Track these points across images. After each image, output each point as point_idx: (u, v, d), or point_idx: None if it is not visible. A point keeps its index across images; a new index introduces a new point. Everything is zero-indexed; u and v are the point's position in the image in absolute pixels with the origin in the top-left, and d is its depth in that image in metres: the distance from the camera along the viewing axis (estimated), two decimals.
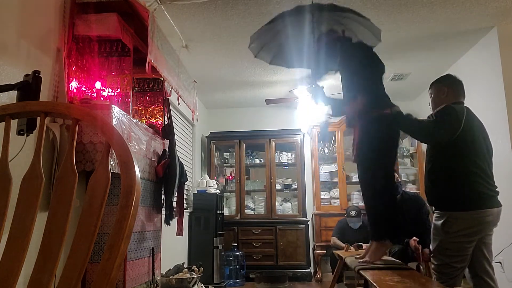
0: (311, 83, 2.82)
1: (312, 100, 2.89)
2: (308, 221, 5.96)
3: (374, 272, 2.27)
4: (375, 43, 2.90)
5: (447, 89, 2.57)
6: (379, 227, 2.46)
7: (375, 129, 2.45)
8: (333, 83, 4.35)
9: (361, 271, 2.36)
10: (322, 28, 2.83)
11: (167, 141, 3.21)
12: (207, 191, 5.39)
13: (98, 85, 2.65)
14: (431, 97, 2.67)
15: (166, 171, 3.05)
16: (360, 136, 2.50)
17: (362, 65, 2.54)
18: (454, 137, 2.37)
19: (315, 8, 2.76)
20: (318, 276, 5.62)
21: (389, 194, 2.49)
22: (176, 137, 3.52)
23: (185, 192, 3.78)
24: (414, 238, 3.67)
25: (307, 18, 2.76)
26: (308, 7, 2.76)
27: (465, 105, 2.54)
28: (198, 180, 5.75)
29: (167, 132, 3.24)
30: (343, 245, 4.42)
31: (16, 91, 1.51)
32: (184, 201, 3.74)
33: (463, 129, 2.36)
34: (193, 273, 3.44)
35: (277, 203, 6.08)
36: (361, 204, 4.78)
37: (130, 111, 2.79)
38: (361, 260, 2.54)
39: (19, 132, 1.57)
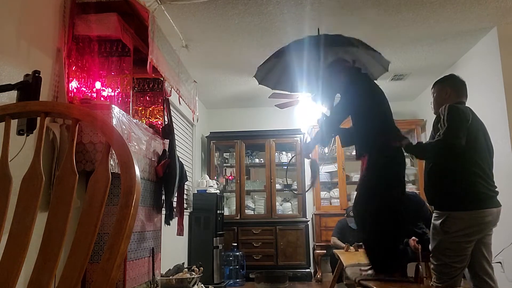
0: (320, 118, 2.81)
1: (321, 129, 2.87)
2: (308, 221, 5.96)
3: (376, 284, 2.27)
4: (382, 73, 2.93)
5: (450, 89, 2.56)
6: (384, 264, 2.46)
7: (384, 162, 2.44)
8: None
9: (362, 281, 2.35)
10: (329, 58, 2.84)
11: (167, 141, 3.21)
12: (207, 191, 5.39)
13: (98, 85, 2.65)
14: (433, 96, 2.66)
15: (166, 171, 3.05)
16: (368, 168, 2.50)
17: (372, 97, 2.55)
18: (462, 142, 2.35)
19: (321, 39, 2.79)
20: (318, 276, 5.62)
21: (393, 231, 2.49)
22: (176, 137, 3.52)
23: (185, 192, 3.78)
24: (414, 238, 3.66)
25: (314, 47, 2.78)
26: (318, 37, 2.78)
27: (466, 105, 2.53)
28: (198, 180, 5.75)
29: (167, 132, 3.24)
30: (343, 245, 4.42)
31: (16, 91, 1.51)
32: (184, 201, 3.74)
33: (466, 129, 2.36)
34: (193, 273, 3.44)
35: (277, 203, 6.08)
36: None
37: (130, 111, 2.79)
38: (365, 273, 2.53)
39: (19, 132, 1.57)
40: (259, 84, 3.15)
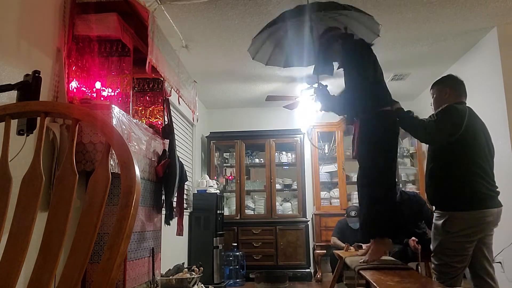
0: (312, 82, 2.81)
1: (315, 99, 2.87)
2: (308, 221, 5.96)
3: (374, 272, 2.27)
4: (373, 39, 2.89)
5: (449, 89, 2.56)
6: (379, 225, 2.45)
7: (375, 126, 2.44)
8: (333, 81, 4.34)
9: (361, 271, 2.35)
10: (319, 27, 2.82)
11: (167, 141, 3.21)
12: (207, 191, 5.39)
13: (98, 85, 2.65)
14: (432, 97, 2.66)
15: (166, 171, 3.05)
16: (360, 133, 2.50)
17: (364, 62, 2.53)
18: (456, 137, 2.36)
19: (313, 7, 2.75)
20: (318, 276, 5.62)
21: (389, 191, 2.48)
22: (176, 137, 3.52)
23: (185, 192, 3.78)
24: (414, 238, 3.67)
25: (306, 17, 2.75)
26: (307, 5, 2.75)
27: (466, 105, 2.54)
28: (198, 180, 5.75)
29: (167, 132, 3.24)
30: (343, 245, 4.41)
31: (16, 91, 1.51)
32: (184, 201, 3.74)
33: (465, 129, 2.36)
34: (193, 273, 3.44)
35: (277, 203, 6.08)
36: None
37: (130, 111, 2.79)
38: (361, 260, 2.53)
39: (19, 132, 1.57)
40: (252, 59, 3.10)
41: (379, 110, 2.47)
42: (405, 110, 2.54)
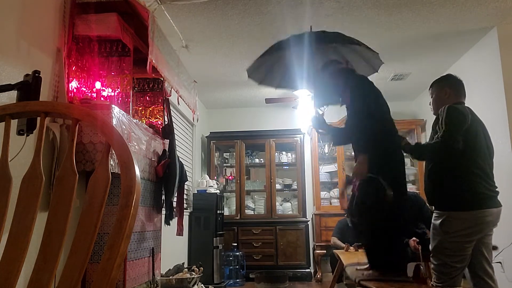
0: (313, 115, 2.80)
1: (313, 127, 2.87)
2: (308, 221, 5.96)
3: (375, 284, 2.27)
4: (371, 73, 2.91)
5: (449, 89, 2.55)
6: (385, 263, 2.45)
7: (384, 162, 2.43)
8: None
9: (362, 282, 2.35)
10: (319, 56, 2.82)
11: (167, 141, 3.21)
12: (207, 191, 5.39)
13: (98, 85, 2.65)
14: (432, 97, 2.66)
15: (166, 171, 3.05)
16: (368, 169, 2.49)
17: (372, 98, 2.54)
18: (460, 143, 2.36)
19: (322, 36, 2.76)
20: (318, 276, 5.62)
21: (396, 231, 2.48)
22: (176, 137, 3.52)
23: (185, 192, 3.78)
24: (414, 238, 3.67)
25: (309, 45, 2.75)
26: (308, 34, 2.76)
27: (466, 105, 2.53)
28: (198, 180, 5.75)
29: (167, 132, 3.24)
30: (343, 245, 4.42)
31: (16, 91, 1.51)
32: (184, 201, 3.74)
33: (465, 129, 2.36)
34: (193, 273, 3.44)
35: (277, 203, 6.08)
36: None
37: (130, 111, 2.79)
38: (365, 272, 2.52)
39: (19, 132, 1.57)
40: (248, 77, 3.13)
41: (387, 148, 2.46)
42: (413, 143, 2.57)
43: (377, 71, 2.93)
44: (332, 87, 2.69)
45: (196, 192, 5.44)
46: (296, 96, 5.48)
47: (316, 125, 2.80)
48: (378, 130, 2.47)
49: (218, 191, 5.53)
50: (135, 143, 2.62)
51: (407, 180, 6.22)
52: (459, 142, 2.32)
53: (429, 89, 2.70)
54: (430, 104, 2.68)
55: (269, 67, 3.03)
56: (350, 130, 2.59)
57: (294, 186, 6.21)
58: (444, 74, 2.73)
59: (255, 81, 3.16)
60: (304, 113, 6.03)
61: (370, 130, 2.47)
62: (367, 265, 2.57)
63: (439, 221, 2.36)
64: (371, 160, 2.45)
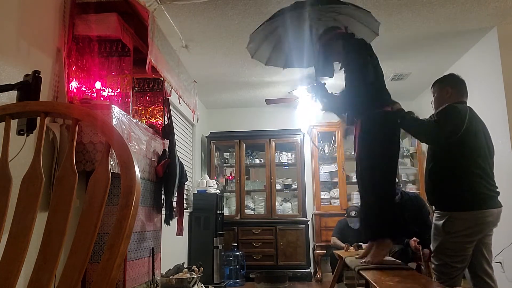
0: (313, 81, 2.78)
1: (313, 98, 2.84)
2: (308, 221, 5.96)
3: (374, 273, 2.26)
4: (373, 38, 2.88)
5: (450, 88, 2.56)
6: (379, 226, 2.44)
7: (376, 126, 2.43)
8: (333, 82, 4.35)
9: (361, 271, 2.35)
10: (319, 26, 2.80)
11: (167, 141, 3.21)
12: (207, 191, 5.39)
13: (98, 85, 2.65)
14: (433, 96, 2.66)
15: (166, 171, 3.05)
16: (360, 133, 2.49)
17: (365, 62, 2.52)
18: (456, 137, 2.36)
19: (312, 4, 2.72)
20: (318, 276, 5.62)
21: (390, 192, 2.47)
22: (176, 137, 3.52)
23: (185, 192, 3.78)
24: (414, 238, 3.67)
25: (304, 15, 2.73)
26: (305, 2, 2.73)
27: (467, 105, 2.53)
28: (198, 180, 5.75)
29: (167, 132, 3.24)
30: (343, 245, 4.42)
31: (16, 91, 1.51)
32: (184, 201, 3.74)
33: (465, 129, 2.36)
34: (193, 273, 3.44)
35: (277, 203, 6.08)
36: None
37: (130, 111, 2.79)
38: (362, 260, 2.52)
39: (19, 132, 1.57)
40: (251, 57, 3.08)
41: (380, 110, 2.46)
42: (406, 110, 2.54)
43: (377, 34, 2.89)
44: (332, 52, 2.68)
45: (196, 192, 5.44)
46: (296, 96, 5.49)
47: (317, 94, 2.78)
48: (370, 94, 2.45)
49: (218, 191, 5.53)
50: (135, 143, 2.62)
51: (407, 180, 6.21)
52: (443, 135, 2.35)
53: (431, 88, 2.69)
54: (431, 103, 2.68)
55: (272, 46, 2.99)
56: (349, 93, 2.58)
57: (294, 186, 6.21)
58: (447, 74, 2.73)
59: (260, 61, 3.12)
60: (304, 113, 6.04)
61: (362, 94, 2.46)
62: (364, 259, 2.56)
63: (441, 221, 2.36)
64: (364, 125, 2.45)
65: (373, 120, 2.44)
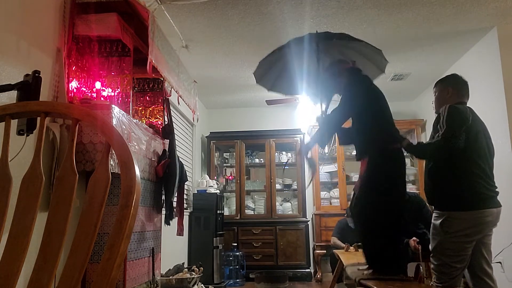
0: (318, 116, 2.80)
1: (320, 128, 2.88)
2: (308, 221, 5.96)
3: (376, 283, 2.27)
4: (378, 75, 2.91)
5: (452, 88, 2.56)
6: (386, 265, 2.45)
7: (385, 163, 2.44)
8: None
9: (362, 281, 2.35)
10: (326, 59, 2.83)
11: (167, 141, 3.21)
12: (207, 191, 5.39)
13: (98, 85, 2.65)
14: (435, 95, 2.66)
15: (166, 171, 3.05)
16: (368, 170, 2.49)
17: (372, 99, 2.54)
18: (462, 142, 2.36)
19: (323, 36, 2.76)
20: (318, 276, 5.62)
21: (396, 230, 2.48)
22: (176, 137, 3.52)
23: (185, 192, 3.78)
24: (414, 238, 3.66)
25: (313, 46, 2.76)
26: (317, 34, 2.76)
27: (467, 105, 2.53)
28: (198, 180, 5.75)
29: (167, 132, 3.24)
30: (343, 245, 4.42)
31: (16, 91, 1.51)
32: (184, 201, 3.74)
33: (465, 129, 2.36)
34: (193, 273, 3.44)
35: (277, 203, 6.08)
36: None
37: (130, 111, 2.79)
38: (366, 272, 2.52)
39: (19, 132, 1.57)
40: (256, 83, 3.13)
41: (387, 148, 2.47)
42: (414, 143, 2.57)
43: (383, 72, 2.92)
44: (336, 86, 2.69)
45: (196, 192, 5.44)
46: (296, 97, 5.48)
47: (322, 126, 2.80)
48: (378, 131, 2.47)
49: (218, 191, 5.53)
50: (135, 143, 2.62)
51: (407, 180, 6.22)
52: (460, 141, 2.33)
53: (433, 88, 2.70)
54: (432, 103, 2.68)
55: (277, 73, 3.04)
56: (355, 130, 2.60)
57: (294, 186, 6.21)
58: (449, 74, 2.73)
59: (264, 87, 3.19)
60: (304, 113, 6.04)
61: (370, 132, 2.47)
62: (367, 266, 2.57)
63: (439, 221, 2.36)
64: (371, 163, 2.46)
65: (382, 157, 2.45)
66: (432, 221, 2.45)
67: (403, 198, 2.57)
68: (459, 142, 2.33)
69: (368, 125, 2.50)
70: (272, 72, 3.03)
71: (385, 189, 2.42)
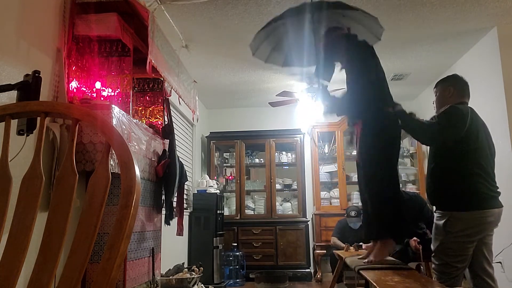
0: (314, 82, 2.79)
1: (314, 99, 2.86)
2: (308, 221, 5.96)
3: (375, 272, 2.26)
4: (375, 42, 2.88)
5: (453, 89, 2.56)
6: (383, 226, 2.43)
7: (378, 126, 2.43)
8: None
9: (361, 271, 2.35)
10: (322, 27, 2.80)
11: (167, 141, 3.21)
12: (207, 191, 5.39)
13: (98, 85, 2.65)
14: (436, 95, 2.66)
15: (166, 171, 3.05)
16: (362, 133, 2.49)
17: (367, 64, 2.52)
18: (458, 138, 2.36)
19: (319, 5, 2.72)
20: (318, 276, 5.62)
21: (392, 191, 2.47)
22: (176, 137, 3.52)
23: (185, 192, 3.78)
24: (415, 238, 3.67)
25: (308, 16, 2.73)
26: (311, 4, 2.73)
27: (468, 105, 2.53)
28: (198, 180, 5.75)
29: (167, 132, 3.24)
30: (343, 245, 4.41)
31: (16, 91, 1.51)
32: (184, 201, 3.74)
33: (467, 129, 2.36)
34: (193, 273, 3.44)
35: (277, 203, 6.08)
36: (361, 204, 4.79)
37: (130, 111, 2.79)
38: (365, 260, 2.52)
39: (19, 132, 1.57)
40: (252, 55, 3.09)
41: (381, 110, 2.46)
42: (407, 112, 2.54)
43: (379, 39, 2.90)
44: (334, 53, 2.67)
45: (196, 192, 5.44)
46: (297, 98, 5.48)
47: (321, 97, 2.78)
48: (375, 93, 2.46)
49: (218, 191, 5.53)
50: (135, 143, 2.62)
51: (407, 180, 6.19)
52: (444, 137, 2.34)
53: (434, 88, 2.70)
54: (433, 103, 2.68)
55: (273, 44, 3.00)
56: (351, 94, 2.57)
57: (294, 186, 6.21)
58: (450, 74, 2.73)
59: (260, 59, 3.13)
60: (304, 113, 6.03)
61: (367, 93, 2.45)
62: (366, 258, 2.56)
63: (442, 221, 2.36)
64: (365, 124, 2.45)
65: (375, 120, 2.44)
66: (435, 221, 2.45)
67: (397, 158, 2.56)
68: (449, 138, 2.33)
69: (364, 89, 2.48)
70: (268, 43, 3.00)
71: (381, 148, 2.41)
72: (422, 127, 2.45)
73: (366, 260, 2.50)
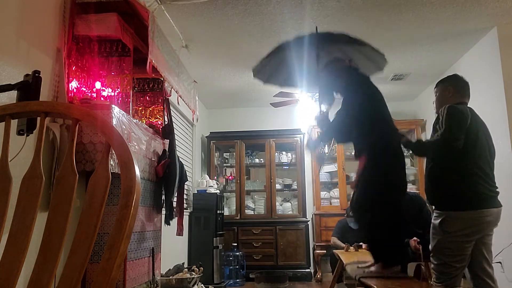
0: (317, 113, 2.83)
1: (319, 127, 2.92)
2: (308, 221, 5.96)
3: (376, 279, 2.27)
4: (376, 72, 2.93)
5: (453, 89, 2.56)
6: (387, 255, 2.45)
7: (384, 159, 2.44)
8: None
9: (362, 279, 2.36)
10: (324, 55, 2.84)
11: (167, 141, 3.21)
12: (207, 191, 5.39)
13: (98, 85, 2.65)
14: (436, 95, 2.66)
15: (166, 171, 3.05)
16: (367, 166, 2.50)
17: (370, 97, 2.55)
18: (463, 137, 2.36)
19: (328, 37, 2.77)
20: (318, 276, 5.62)
21: (399, 222, 2.49)
22: (176, 137, 3.52)
23: (185, 192, 3.78)
24: (415, 238, 3.66)
25: (311, 46, 2.77)
26: (314, 35, 2.77)
27: (468, 105, 2.53)
28: (198, 180, 5.75)
29: (167, 132, 3.24)
30: (343, 245, 4.42)
31: (16, 91, 1.51)
32: (184, 201, 3.74)
33: (466, 129, 2.36)
34: (193, 273, 3.44)
35: (277, 203, 6.08)
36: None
37: (130, 111, 2.79)
38: (366, 270, 2.53)
39: (19, 132, 1.57)
40: (254, 77, 3.15)
41: (387, 146, 2.48)
42: (413, 141, 2.57)
43: (382, 70, 2.93)
44: (334, 84, 2.70)
45: (196, 192, 5.44)
46: (298, 99, 5.48)
47: (319, 123, 2.82)
48: (376, 128, 2.47)
49: (218, 191, 5.53)
50: (135, 143, 2.62)
51: (407, 180, 6.21)
52: (459, 140, 2.32)
53: (434, 88, 2.70)
54: (433, 103, 2.68)
55: (274, 67, 3.05)
56: (343, 125, 2.61)
57: (294, 186, 6.21)
58: (450, 74, 2.73)
59: (260, 80, 3.19)
60: (304, 113, 6.03)
61: (369, 129, 2.47)
62: (369, 263, 2.57)
63: (439, 220, 2.36)
64: (370, 159, 2.46)
65: (379, 155, 2.45)
66: (432, 220, 2.45)
67: (403, 192, 2.57)
68: (457, 142, 2.32)
69: (367, 122, 2.51)
70: (268, 67, 3.05)
71: (385, 185, 2.42)
72: (430, 149, 2.47)
73: (368, 270, 2.51)
